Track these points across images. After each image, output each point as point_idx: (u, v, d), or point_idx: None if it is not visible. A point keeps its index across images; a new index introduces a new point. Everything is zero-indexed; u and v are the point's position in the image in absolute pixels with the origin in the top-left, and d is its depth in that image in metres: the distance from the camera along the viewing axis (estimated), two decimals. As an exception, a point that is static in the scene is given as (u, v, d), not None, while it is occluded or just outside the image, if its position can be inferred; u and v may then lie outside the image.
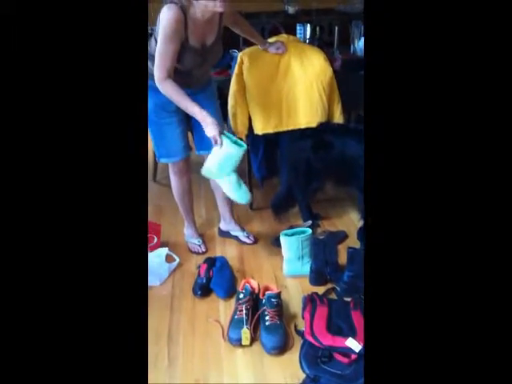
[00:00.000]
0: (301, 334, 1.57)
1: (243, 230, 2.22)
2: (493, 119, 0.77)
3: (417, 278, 0.80)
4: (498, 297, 0.76)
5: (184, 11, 1.59)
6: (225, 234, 2.25)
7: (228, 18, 1.83)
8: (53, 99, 0.80)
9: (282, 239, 1.92)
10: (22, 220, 0.78)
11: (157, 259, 1.95)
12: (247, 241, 2.18)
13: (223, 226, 2.26)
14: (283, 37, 2.17)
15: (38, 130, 0.79)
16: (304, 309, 1.65)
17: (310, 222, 2.21)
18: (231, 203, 2.20)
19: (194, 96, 1.81)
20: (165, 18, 1.57)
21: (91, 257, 0.81)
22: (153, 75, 1.67)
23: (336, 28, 2.71)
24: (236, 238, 2.21)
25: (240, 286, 1.72)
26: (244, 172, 2.46)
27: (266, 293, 1.64)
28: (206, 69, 1.87)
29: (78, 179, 0.81)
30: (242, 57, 2.04)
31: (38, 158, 0.79)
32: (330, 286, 1.84)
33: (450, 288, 0.78)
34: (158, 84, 1.67)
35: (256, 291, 1.70)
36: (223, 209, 2.21)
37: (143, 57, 1.56)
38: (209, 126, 1.69)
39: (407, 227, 0.81)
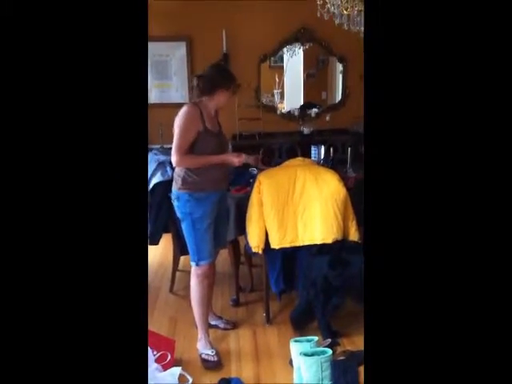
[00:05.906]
0: None
1: (221, 318, 2.40)
2: (489, 155, 0.81)
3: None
4: (498, 326, 0.77)
5: (198, 106, 1.98)
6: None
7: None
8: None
9: (301, 359, 1.85)
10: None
11: (170, 378, 1.87)
12: (227, 326, 2.36)
13: None
14: (299, 159, 2.35)
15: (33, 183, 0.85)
16: None
17: (329, 341, 2.13)
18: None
19: (217, 202, 2.06)
20: (181, 112, 1.95)
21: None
22: (200, 189, 1.96)
23: (349, 148, 2.90)
24: (215, 326, 2.36)
25: (256, 413, 1.63)
26: (262, 285, 2.46)
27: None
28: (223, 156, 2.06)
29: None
30: (259, 178, 2.20)
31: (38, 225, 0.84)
32: (351, 414, 1.72)
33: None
34: (177, 161, 1.94)
35: (273, 420, 1.60)
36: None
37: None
38: (232, 158, 2.00)
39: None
